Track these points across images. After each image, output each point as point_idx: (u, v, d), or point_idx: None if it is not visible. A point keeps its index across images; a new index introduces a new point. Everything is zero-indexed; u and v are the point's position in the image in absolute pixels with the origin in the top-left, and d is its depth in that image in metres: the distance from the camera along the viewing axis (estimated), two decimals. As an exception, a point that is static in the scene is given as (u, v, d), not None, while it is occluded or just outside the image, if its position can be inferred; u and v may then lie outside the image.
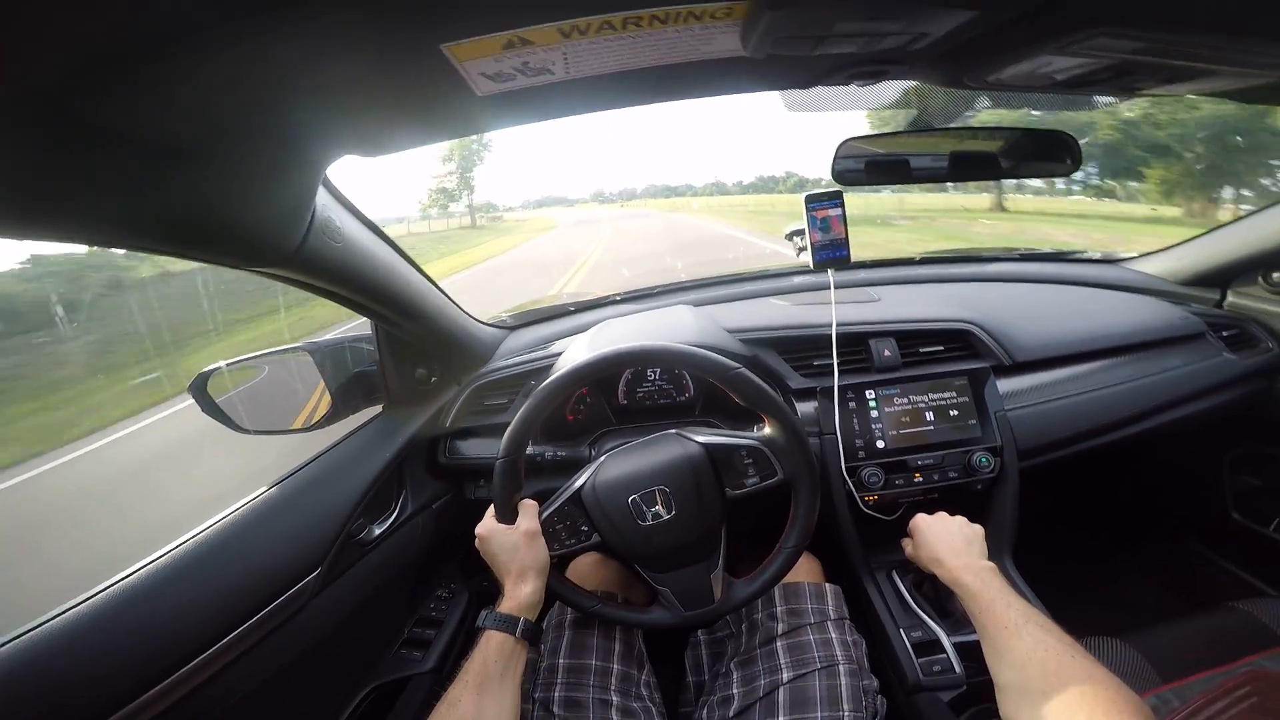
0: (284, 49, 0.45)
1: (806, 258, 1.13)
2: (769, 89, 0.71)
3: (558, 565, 0.86)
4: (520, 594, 0.78)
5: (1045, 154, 0.86)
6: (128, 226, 0.58)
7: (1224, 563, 1.46)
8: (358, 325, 1.13)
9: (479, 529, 0.85)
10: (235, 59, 0.44)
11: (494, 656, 0.72)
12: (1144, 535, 1.64)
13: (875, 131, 0.93)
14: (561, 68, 0.55)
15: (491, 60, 0.51)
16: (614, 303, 1.55)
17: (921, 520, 0.94)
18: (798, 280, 1.53)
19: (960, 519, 0.92)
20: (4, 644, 0.62)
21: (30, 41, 0.35)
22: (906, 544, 0.96)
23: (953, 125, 0.89)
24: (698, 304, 1.38)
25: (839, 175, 0.93)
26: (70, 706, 0.62)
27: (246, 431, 1.08)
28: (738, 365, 0.86)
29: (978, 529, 0.90)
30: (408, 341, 1.14)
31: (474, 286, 11.44)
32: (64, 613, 0.67)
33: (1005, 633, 0.68)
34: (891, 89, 0.77)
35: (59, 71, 0.39)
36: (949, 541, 0.87)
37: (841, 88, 0.78)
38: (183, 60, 0.42)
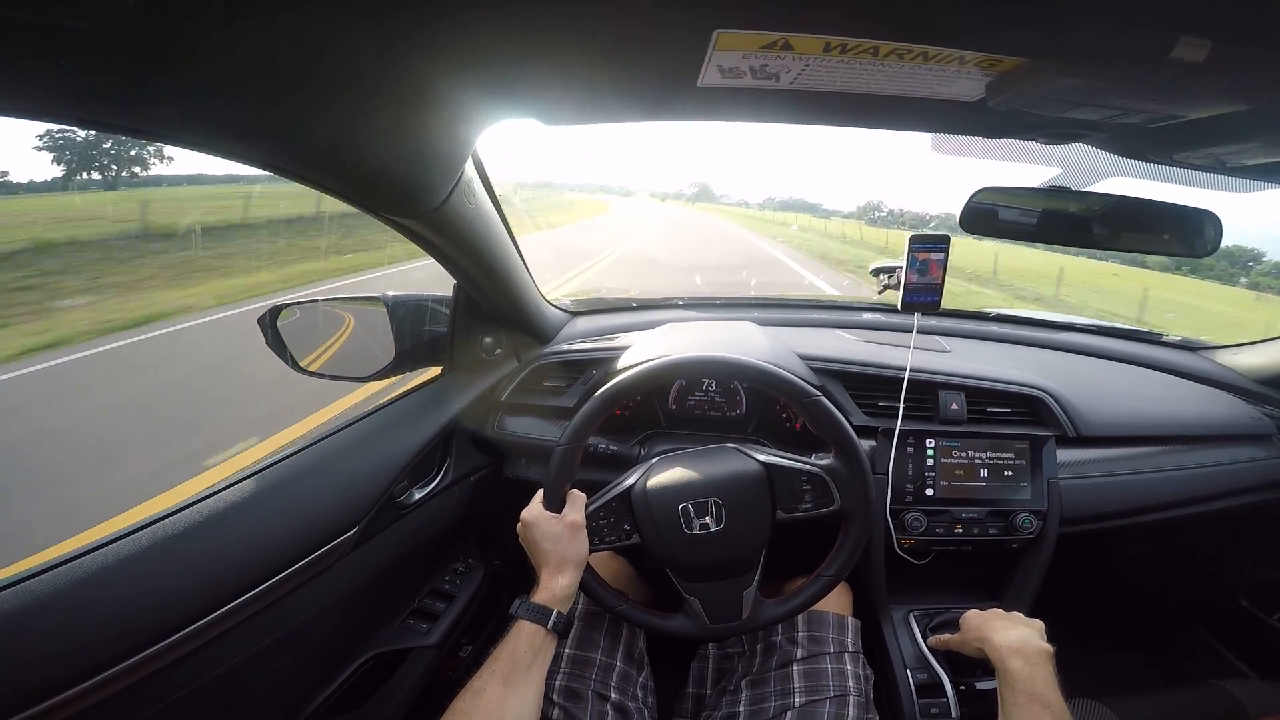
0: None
1: (891, 296, 1.12)
2: (963, 132, 0.70)
3: None
4: (556, 585, 0.77)
5: (1189, 232, 0.86)
6: (298, 157, 0.57)
7: (1219, 646, 1.48)
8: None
9: (525, 514, 0.82)
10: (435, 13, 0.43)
11: (524, 648, 0.71)
12: (1148, 609, 1.66)
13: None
14: (790, 77, 0.54)
15: (739, 55, 0.49)
16: (676, 306, 1.54)
17: (973, 613, 0.90)
18: (867, 317, 1.52)
19: (1018, 614, 0.87)
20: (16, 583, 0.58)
21: None
22: (949, 639, 0.93)
23: (1099, 190, 0.87)
24: (762, 323, 1.35)
25: (968, 221, 0.91)
26: (94, 644, 0.58)
27: (304, 372, 1.05)
28: (817, 393, 0.88)
29: (1037, 621, 0.85)
30: (482, 309, 1.12)
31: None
32: (102, 546, 0.63)
33: None
34: (1055, 150, 0.77)
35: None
36: (1004, 621, 0.84)
37: (1003, 140, 0.78)
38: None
